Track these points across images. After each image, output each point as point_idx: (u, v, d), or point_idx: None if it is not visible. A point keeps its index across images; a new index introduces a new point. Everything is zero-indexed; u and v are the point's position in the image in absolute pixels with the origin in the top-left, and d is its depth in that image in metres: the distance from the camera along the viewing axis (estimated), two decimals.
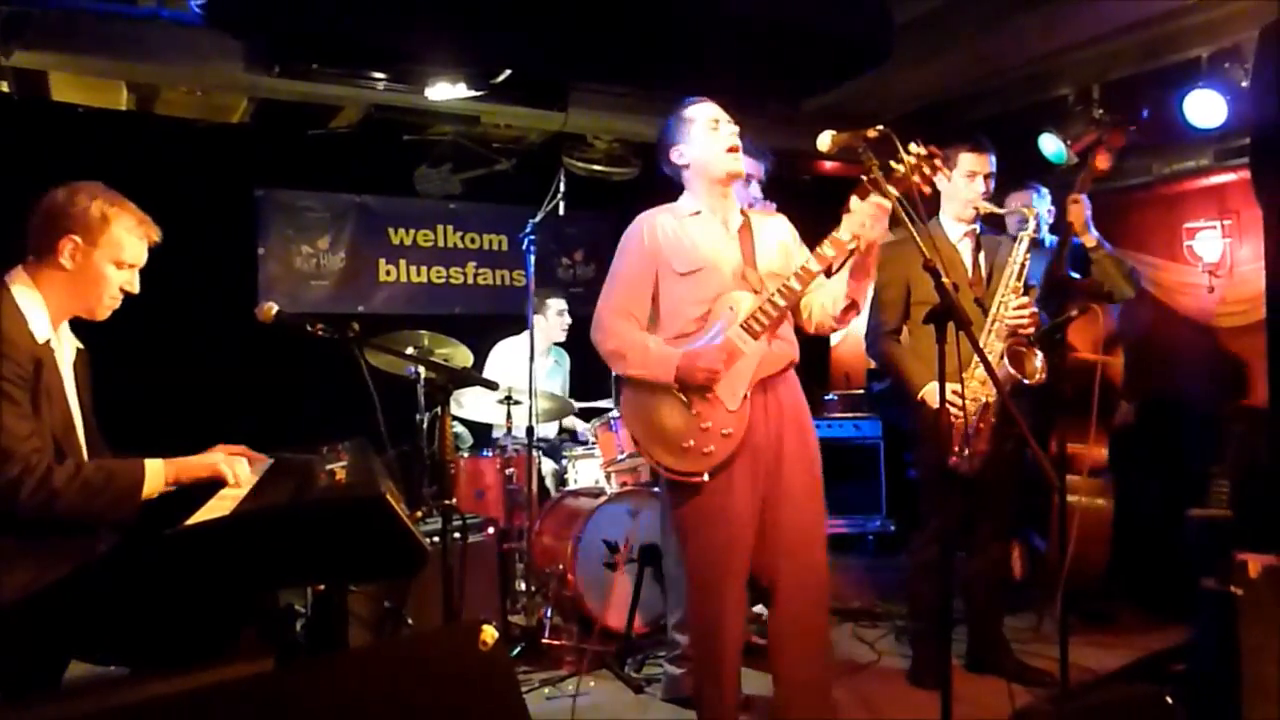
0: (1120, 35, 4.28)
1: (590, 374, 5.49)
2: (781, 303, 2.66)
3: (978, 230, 3.54)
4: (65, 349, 2.27)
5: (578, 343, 5.62)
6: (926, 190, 2.53)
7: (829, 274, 2.75)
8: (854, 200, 2.56)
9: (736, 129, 2.83)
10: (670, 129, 2.87)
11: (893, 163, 2.51)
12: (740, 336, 2.69)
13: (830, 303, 2.77)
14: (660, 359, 2.71)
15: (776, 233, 2.92)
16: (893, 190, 2.46)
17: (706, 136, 2.81)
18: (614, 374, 4.92)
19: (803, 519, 2.75)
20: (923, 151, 2.52)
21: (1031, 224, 3.37)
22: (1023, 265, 3.35)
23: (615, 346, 2.80)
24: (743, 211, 2.91)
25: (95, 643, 1.96)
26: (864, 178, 2.56)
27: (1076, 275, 3.93)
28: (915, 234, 2.42)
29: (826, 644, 2.88)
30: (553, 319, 5.29)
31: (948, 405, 2.52)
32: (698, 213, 2.84)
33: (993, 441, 3.33)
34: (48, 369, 2.14)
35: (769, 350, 2.71)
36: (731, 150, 2.79)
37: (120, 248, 2.23)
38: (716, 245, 2.80)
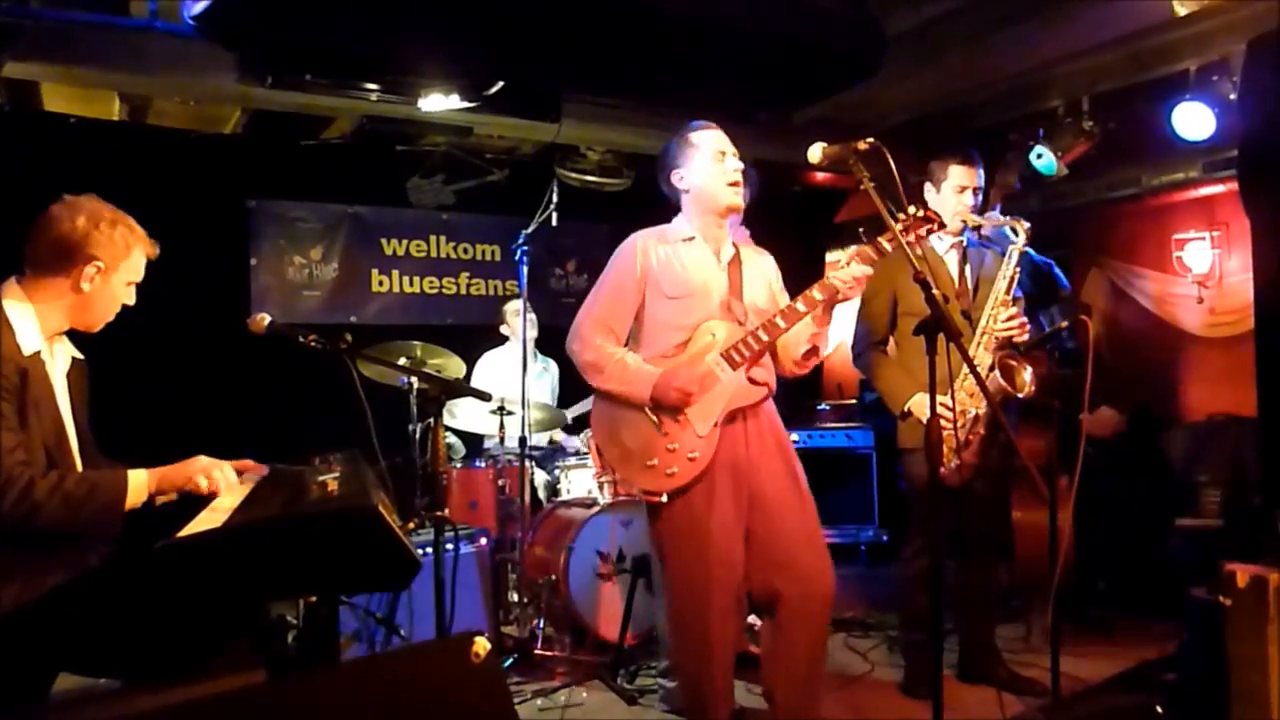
0: (1109, 48, 4.32)
1: (575, 381, 5.51)
2: (765, 338, 2.70)
3: (964, 243, 3.55)
4: (59, 360, 2.28)
5: (562, 350, 5.63)
6: (918, 251, 2.60)
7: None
8: (855, 261, 2.63)
9: (740, 164, 2.84)
10: (673, 151, 2.87)
11: (891, 219, 2.55)
12: (719, 364, 2.71)
13: (793, 345, 2.81)
14: (637, 376, 2.72)
15: (764, 271, 2.96)
16: (878, 199, 2.47)
17: (711, 166, 2.82)
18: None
19: (796, 529, 2.74)
20: (920, 213, 2.60)
21: (1022, 237, 3.39)
22: (1012, 278, 3.37)
23: (593, 359, 2.80)
24: (735, 244, 2.92)
25: (87, 655, 1.95)
26: (864, 241, 2.64)
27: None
28: (905, 245, 2.44)
29: (821, 657, 2.86)
30: (514, 323, 5.28)
31: (938, 416, 2.53)
32: (691, 238, 2.86)
33: (981, 453, 3.35)
34: (36, 380, 2.14)
35: (744, 383, 2.73)
36: (733, 185, 2.80)
37: (134, 271, 2.31)
38: (706, 273, 2.82)
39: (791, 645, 2.75)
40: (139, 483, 2.16)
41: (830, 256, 7.00)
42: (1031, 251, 3.70)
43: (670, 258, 2.83)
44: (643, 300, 2.84)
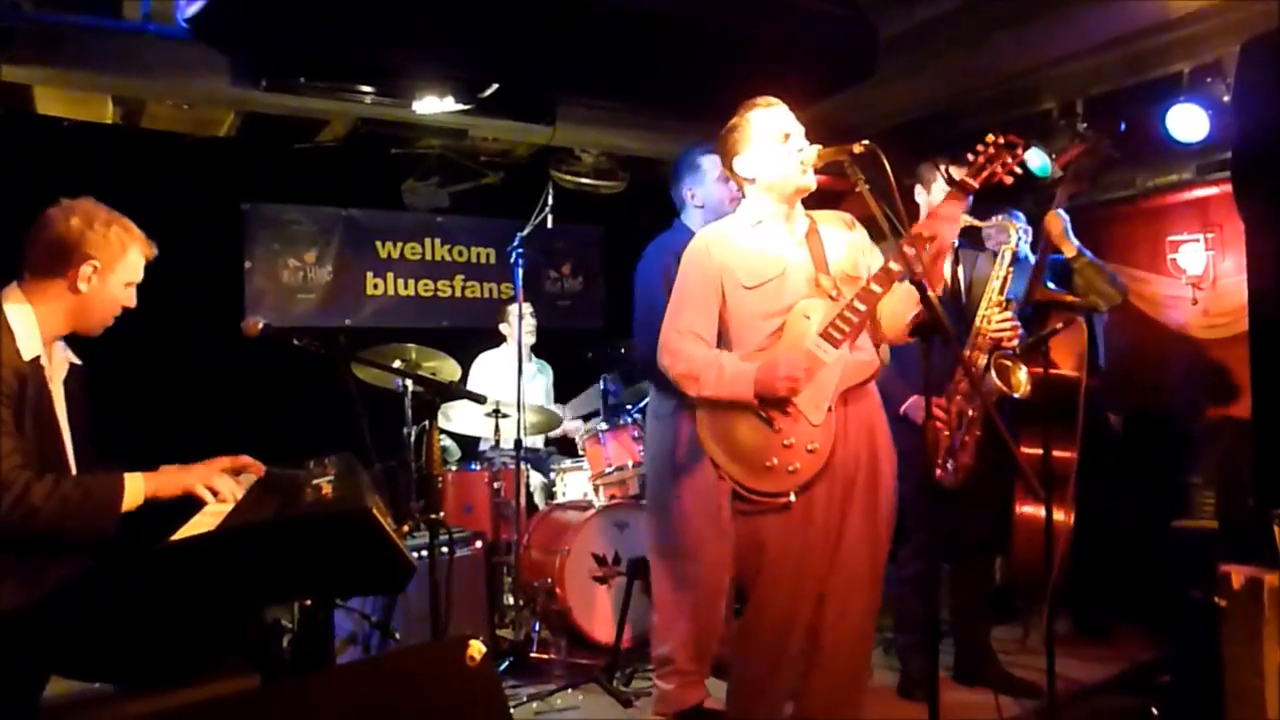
0: (1103, 50, 4.32)
1: (571, 391, 5.52)
2: (862, 308, 2.49)
3: (955, 244, 3.54)
4: (57, 366, 2.28)
5: (558, 353, 5.65)
6: (1007, 180, 2.46)
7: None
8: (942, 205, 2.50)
9: (806, 143, 2.61)
10: (732, 136, 2.66)
11: (969, 154, 2.48)
12: (820, 346, 2.51)
13: (902, 309, 2.60)
14: (736, 376, 2.52)
15: (847, 237, 2.73)
16: (874, 202, 2.45)
17: (774, 150, 2.60)
18: (603, 387, 4.99)
19: (862, 541, 2.59)
20: (999, 140, 2.45)
21: (1014, 238, 3.39)
22: (1005, 280, 3.36)
23: (686, 369, 2.61)
24: (808, 215, 2.72)
25: (80, 659, 1.95)
26: (951, 181, 2.50)
27: (1053, 287, 3.94)
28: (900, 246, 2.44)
29: (864, 670, 2.74)
30: (513, 323, 5.28)
31: (934, 420, 2.53)
32: (760, 222, 2.67)
33: (977, 454, 3.35)
34: (34, 386, 2.15)
35: (850, 359, 2.55)
36: (801, 165, 2.59)
37: (131, 271, 2.30)
38: (784, 253, 2.62)
39: (822, 671, 2.61)
40: (135, 487, 2.15)
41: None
42: (1087, 251, 3.70)
43: (743, 245, 2.64)
44: (724, 299, 2.65)
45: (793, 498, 2.50)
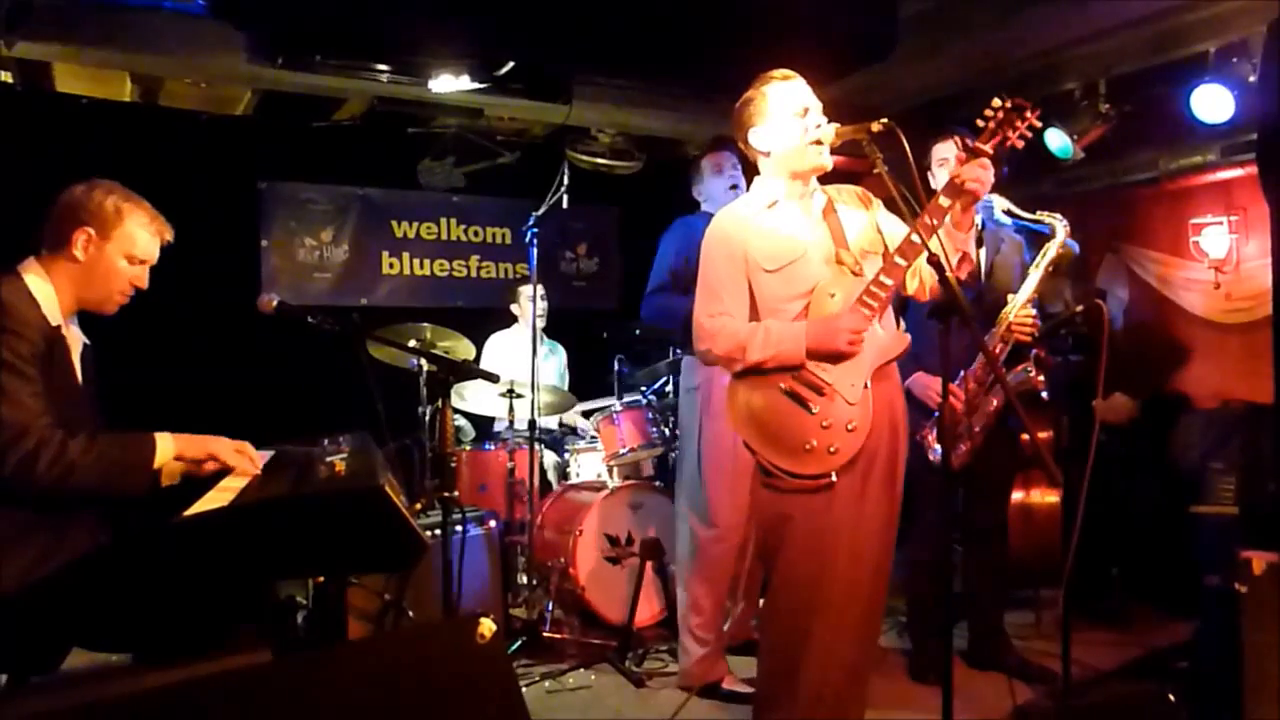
0: (1127, 29, 4.26)
1: (585, 371, 5.52)
2: (889, 281, 2.43)
3: (980, 223, 3.50)
4: (73, 342, 2.30)
5: (573, 333, 5.64)
6: (1019, 144, 2.41)
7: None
8: (970, 165, 2.43)
9: (824, 119, 2.54)
10: (748, 109, 2.58)
11: (979, 121, 2.43)
12: None
13: (928, 276, 2.57)
14: (784, 335, 2.45)
15: (861, 211, 2.67)
16: (892, 182, 2.41)
17: (791, 125, 2.52)
18: (617, 370, 4.98)
19: (877, 520, 2.53)
20: (1008, 104, 2.40)
21: (1061, 233, 3.31)
22: (1044, 276, 3.31)
23: (730, 345, 2.52)
24: (824, 191, 2.66)
25: (97, 630, 1.96)
26: (965, 147, 2.45)
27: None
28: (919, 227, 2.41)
29: (872, 651, 2.68)
30: (525, 305, 5.27)
31: (951, 401, 2.50)
32: (775, 203, 2.60)
33: (984, 437, 3.32)
34: (60, 352, 2.18)
35: (881, 335, 2.49)
36: (818, 143, 2.52)
37: (132, 242, 2.28)
38: (802, 233, 2.55)
39: (831, 651, 2.53)
40: (165, 445, 2.16)
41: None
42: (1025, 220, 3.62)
43: (759, 229, 2.57)
44: (749, 281, 2.59)
45: (834, 477, 2.44)
